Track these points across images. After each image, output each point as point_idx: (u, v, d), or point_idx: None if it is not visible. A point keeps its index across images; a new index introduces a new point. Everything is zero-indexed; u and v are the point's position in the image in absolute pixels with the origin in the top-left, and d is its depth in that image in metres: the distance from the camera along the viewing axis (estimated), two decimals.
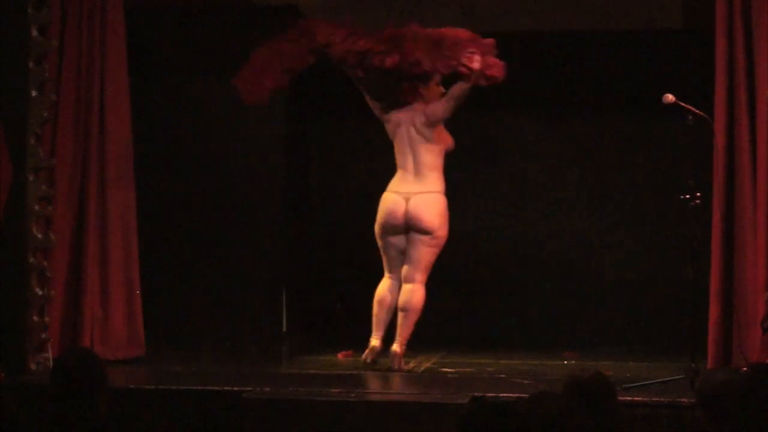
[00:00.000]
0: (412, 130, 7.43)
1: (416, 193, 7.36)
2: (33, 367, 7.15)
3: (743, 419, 4.12)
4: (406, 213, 7.33)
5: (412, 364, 7.57)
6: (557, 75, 8.89)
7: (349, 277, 9.00)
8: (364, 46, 7.35)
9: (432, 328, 8.69)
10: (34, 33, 7.24)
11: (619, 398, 4.40)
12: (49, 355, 7.20)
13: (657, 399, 6.10)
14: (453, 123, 7.67)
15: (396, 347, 7.32)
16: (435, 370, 7.53)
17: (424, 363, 7.71)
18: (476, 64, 7.28)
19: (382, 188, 7.51)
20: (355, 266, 8.80)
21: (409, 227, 7.35)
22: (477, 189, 9.10)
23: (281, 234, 8.84)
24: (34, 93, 7.25)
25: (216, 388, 6.48)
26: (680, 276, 7.29)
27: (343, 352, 8.05)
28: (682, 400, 5.96)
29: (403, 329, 7.35)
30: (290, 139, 8.94)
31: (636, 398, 6.11)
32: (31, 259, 7.25)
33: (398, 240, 7.42)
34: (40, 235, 7.29)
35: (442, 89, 7.49)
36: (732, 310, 7.00)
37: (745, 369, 5.30)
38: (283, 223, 8.88)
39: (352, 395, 6.32)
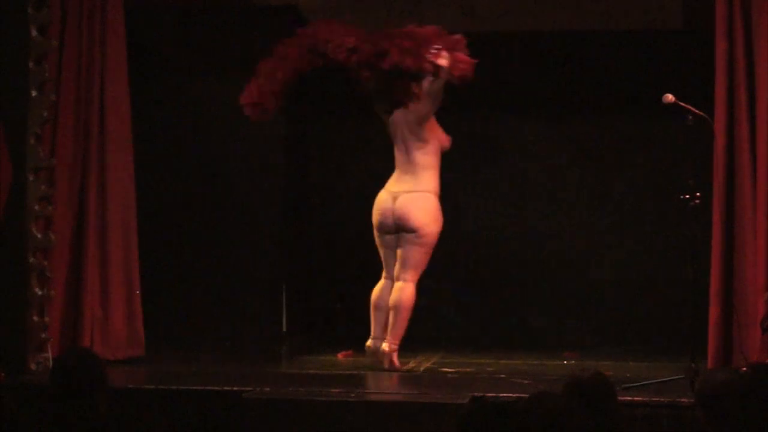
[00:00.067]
0: (405, 129, 7.44)
1: (405, 191, 7.37)
2: (33, 367, 7.15)
3: (743, 419, 4.12)
4: (394, 211, 7.35)
5: (412, 364, 7.57)
6: (557, 75, 8.89)
7: (349, 277, 9.00)
8: (353, 44, 7.34)
9: (432, 328, 8.71)
10: (34, 33, 7.24)
11: (619, 398, 4.40)
12: (49, 355, 7.20)
13: (657, 399, 6.10)
14: (453, 123, 7.67)
15: (385, 346, 7.33)
16: (435, 370, 7.53)
17: (424, 363, 7.71)
18: (443, 61, 7.27)
19: (382, 188, 7.52)
20: (355, 266, 8.80)
21: (397, 226, 7.37)
22: (477, 189, 9.10)
23: (281, 234, 8.84)
24: (34, 93, 7.25)
25: (216, 388, 6.48)
26: (680, 276, 7.29)
27: (343, 352, 8.06)
28: (682, 400, 5.96)
29: (393, 328, 7.36)
30: (290, 139, 8.94)
31: (636, 398, 6.11)
32: (31, 259, 7.25)
33: (391, 239, 7.44)
34: (40, 235, 7.29)
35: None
36: (732, 310, 7.00)
37: (745, 369, 5.30)
38: (283, 223, 8.88)
39: (352, 395, 6.32)
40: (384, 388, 7.04)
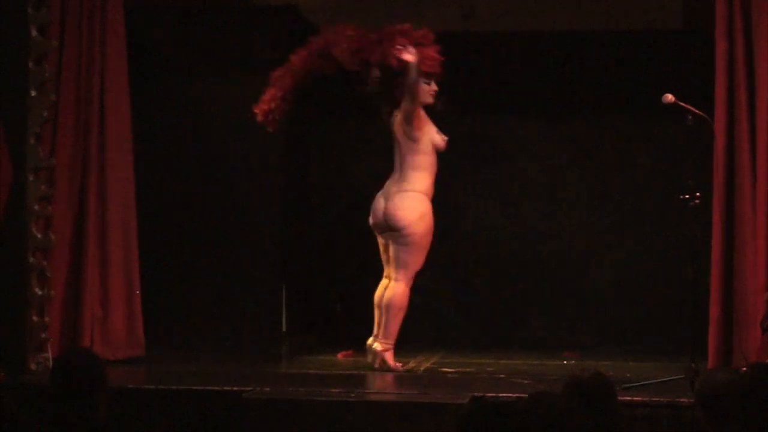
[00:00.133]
0: (398, 129, 7.44)
1: (394, 191, 7.38)
2: (33, 367, 7.14)
3: (743, 419, 4.12)
4: (383, 211, 7.36)
5: (412, 364, 7.57)
6: (557, 75, 8.89)
7: (349, 277, 9.01)
8: (357, 45, 7.34)
9: (432, 328, 8.71)
10: (34, 33, 7.24)
11: (619, 398, 4.40)
12: (49, 355, 7.20)
13: (657, 399, 6.09)
14: (453, 123, 7.66)
15: (377, 345, 7.34)
16: (435, 370, 7.53)
17: (424, 363, 7.71)
18: (408, 56, 7.25)
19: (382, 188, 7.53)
20: (355, 266, 8.81)
21: (386, 225, 7.37)
22: (477, 189, 9.10)
23: (281, 234, 8.83)
24: (34, 93, 7.24)
25: (216, 388, 6.48)
26: (680, 276, 7.29)
27: (343, 352, 8.06)
28: (682, 400, 5.95)
29: (384, 327, 7.36)
30: (290, 139, 8.93)
31: (636, 398, 6.11)
32: (31, 259, 7.25)
33: (384, 238, 7.45)
34: (40, 235, 7.29)
35: (434, 87, 7.44)
36: (732, 310, 7.00)
37: (745, 369, 5.29)
38: (283, 223, 8.88)
39: (352, 395, 6.32)
40: (384, 388, 7.04)
